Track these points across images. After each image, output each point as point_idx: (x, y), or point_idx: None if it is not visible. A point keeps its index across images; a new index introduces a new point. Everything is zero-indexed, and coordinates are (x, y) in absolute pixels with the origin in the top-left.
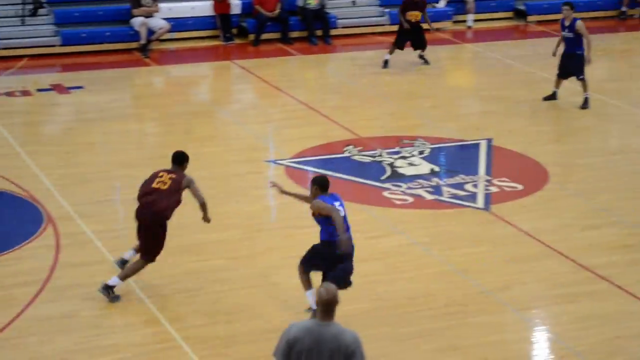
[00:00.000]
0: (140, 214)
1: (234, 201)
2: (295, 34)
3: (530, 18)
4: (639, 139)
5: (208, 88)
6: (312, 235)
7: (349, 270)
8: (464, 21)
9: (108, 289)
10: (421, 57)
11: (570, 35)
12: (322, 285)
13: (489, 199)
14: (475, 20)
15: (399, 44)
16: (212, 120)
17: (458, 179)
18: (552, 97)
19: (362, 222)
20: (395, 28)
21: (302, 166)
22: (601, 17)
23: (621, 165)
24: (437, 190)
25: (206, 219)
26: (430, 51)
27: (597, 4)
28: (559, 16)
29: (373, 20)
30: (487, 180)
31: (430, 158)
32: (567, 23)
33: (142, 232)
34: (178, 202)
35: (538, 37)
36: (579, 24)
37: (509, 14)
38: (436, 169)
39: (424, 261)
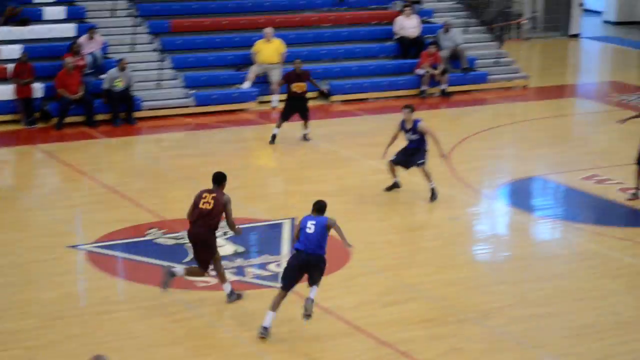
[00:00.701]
0: (193, 236)
1: (33, 289)
2: (100, 117)
3: (334, 98)
4: (436, 214)
5: (9, 173)
6: (115, 320)
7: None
8: (269, 101)
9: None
10: (305, 136)
11: (414, 137)
12: None
13: None
14: (280, 101)
15: (285, 117)
16: (14, 206)
17: (262, 259)
18: (395, 186)
19: (163, 305)
20: (200, 109)
21: (105, 251)
22: (403, 95)
23: (421, 241)
24: (240, 271)
25: (238, 231)
26: (235, 132)
27: (398, 83)
28: (361, 95)
29: (178, 102)
30: None
31: (235, 239)
32: (408, 126)
33: (197, 248)
34: (219, 219)
35: (341, 116)
36: (422, 125)
37: (314, 94)
38: (240, 249)
39: (227, 343)
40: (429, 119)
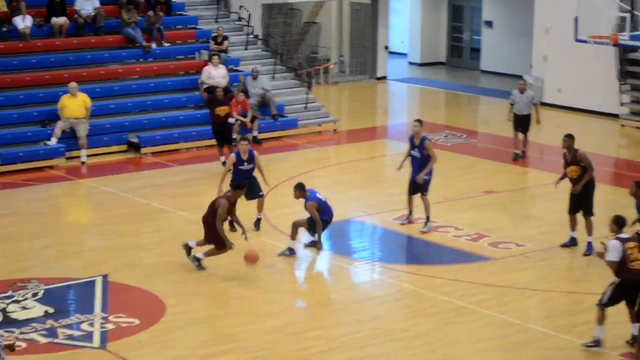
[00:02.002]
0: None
1: None
2: None
3: (144, 150)
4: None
5: None
6: None
7: None
8: (78, 157)
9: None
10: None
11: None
12: None
13: (105, 336)
14: (89, 156)
15: (221, 144)
16: None
17: (74, 318)
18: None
19: None
20: (6, 168)
21: None
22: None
23: (237, 290)
24: (51, 332)
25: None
26: (44, 190)
27: (209, 132)
28: (171, 146)
29: None
30: (103, 318)
31: (45, 299)
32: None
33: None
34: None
35: (152, 168)
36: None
37: (123, 147)
38: (50, 310)
39: None
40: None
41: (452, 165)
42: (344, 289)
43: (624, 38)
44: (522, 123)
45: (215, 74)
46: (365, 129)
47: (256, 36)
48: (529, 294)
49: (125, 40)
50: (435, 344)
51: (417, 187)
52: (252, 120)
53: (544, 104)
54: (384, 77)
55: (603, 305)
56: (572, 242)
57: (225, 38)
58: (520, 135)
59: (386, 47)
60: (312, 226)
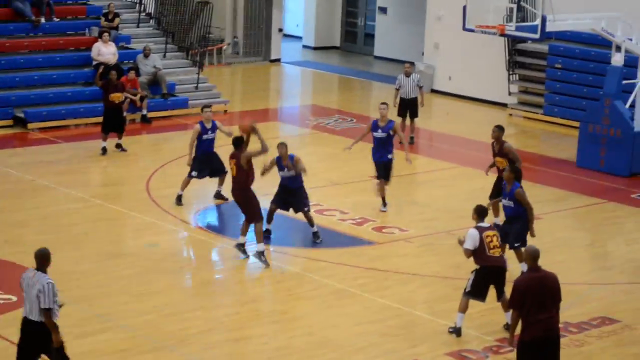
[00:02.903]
0: (234, 198)
1: None
2: None
3: (31, 125)
4: (134, 242)
5: None
6: None
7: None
8: None
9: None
10: (118, 145)
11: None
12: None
13: None
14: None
15: (105, 130)
16: None
17: None
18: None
19: None
20: None
21: None
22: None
23: (116, 269)
24: None
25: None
26: None
27: (97, 110)
28: (59, 123)
29: None
30: None
31: None
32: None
33: (241, 207)
34: (248, 174)
35: (38, 144)
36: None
37: (9, 122)
38: None
39: None
40: (129, 145)
41: (340, 149)
42: (227, 270)
43: (510, 28)
44: (409, 107)
45: (105, 51)
46: (257, 110)
47: (148, 14)
48: (410, 279)
49: (13, 13)
50: (314, 326)
51: (385, 171)
52: (142, 99)
53: (435, 92)
54: (277, 60)
55: (467, 293)
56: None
57: (116, 15)
58: (408, 121)
59: (280, 30)
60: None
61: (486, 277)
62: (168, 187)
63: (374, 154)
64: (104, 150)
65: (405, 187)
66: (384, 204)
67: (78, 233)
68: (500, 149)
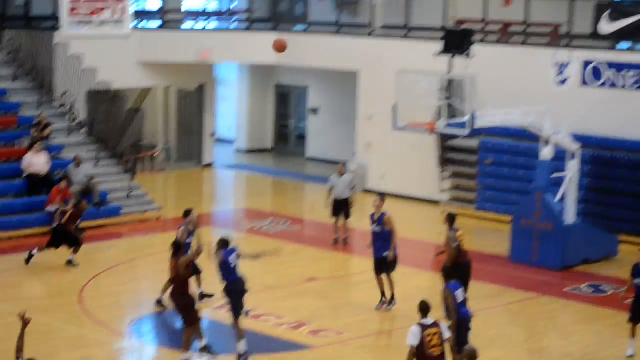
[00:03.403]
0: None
1: None
2: None
3: None
4: (67, 355)
5: None
6: None
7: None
8: None
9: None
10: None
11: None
12: None
13: None
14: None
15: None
16: None
17: None
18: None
19: None
20: None
21: None
22: (34, 234)
23: None
24: None
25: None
26: None
27: (29, 221)
28: None
29: None
30: None
31: None
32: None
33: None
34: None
35: None
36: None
37: None
38: None
39: None
40: (61, 256)
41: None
42: None
43: (441, 125)
44: (342, 207)
45: (36, 162)
46: None
47: (79, 123)
48: None
49: None
50: None
51: (386, 265)
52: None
53: (367, 191)
54: (210, 164)
55: None
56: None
57: (47, 125)
58: (342, 221)
59: (213, 134)
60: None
61: None
62: (100, 298)
63: (373, 247)
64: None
65: (341, 288)
66: (382, 299)
67: (8, 349)
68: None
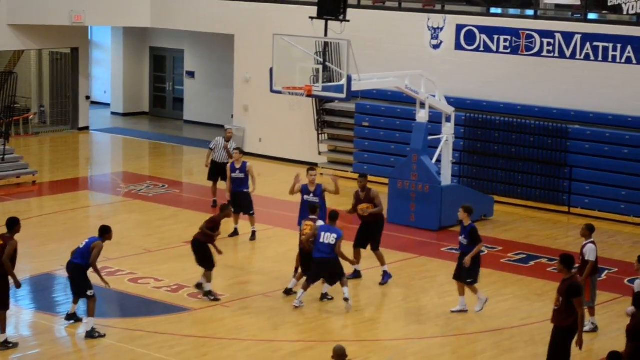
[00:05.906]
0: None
1: None
2: None
3: None
4: None
5: None
6: None
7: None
8: None
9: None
10: None
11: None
12: None
13: None
14: None
15: None
16: None
17: None
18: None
19: None
20: None
21: None
22: None
23: None
24: None
25: None
26: None
27: None
28: None
29: None
30: None
31: None
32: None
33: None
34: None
35: None
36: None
37: None
38: None
39: None
40: None
41: (154, 216)
42: (39, 345)
43: (317, 89)
44: (221, 171)
45: None
46: (67, 180)
47: None
48: (228, 344)
49: None
50: None
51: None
52: None
53: (246, 154)
54: (86, 128)
55: None
56: (356, 275)
57: None
58: (219, 184)
59: (88, 97)
60: None
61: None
62: None
63: (301, 218)
64: None
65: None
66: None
67: None
68: (367, 195)
